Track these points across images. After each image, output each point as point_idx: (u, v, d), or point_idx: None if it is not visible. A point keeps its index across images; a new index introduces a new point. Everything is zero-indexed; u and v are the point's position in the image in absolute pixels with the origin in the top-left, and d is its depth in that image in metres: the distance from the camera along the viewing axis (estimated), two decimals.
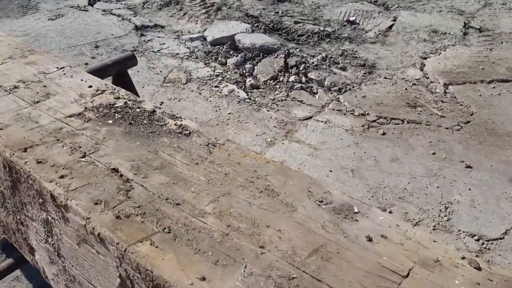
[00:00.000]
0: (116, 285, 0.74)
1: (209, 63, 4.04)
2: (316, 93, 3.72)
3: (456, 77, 3.88)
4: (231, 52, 4.13)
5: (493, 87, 3.75)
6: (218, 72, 3.91)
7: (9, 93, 1.16)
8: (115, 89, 1.18)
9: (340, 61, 4.06)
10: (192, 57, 4.14)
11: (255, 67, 3.95)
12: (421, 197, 2.76)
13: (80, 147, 0.92)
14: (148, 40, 4.37)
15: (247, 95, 3.65)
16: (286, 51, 4.03)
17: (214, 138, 0.99)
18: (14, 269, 1.84)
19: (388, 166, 2.98)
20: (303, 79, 3.82)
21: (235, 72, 3.88)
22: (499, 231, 2.52)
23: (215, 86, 3.72)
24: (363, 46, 4.45)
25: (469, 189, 2.81)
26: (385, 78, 3.92)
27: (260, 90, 3.75)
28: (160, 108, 1.09)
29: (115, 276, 0.73)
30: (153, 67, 4.05)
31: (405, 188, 2.83)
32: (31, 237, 1.00)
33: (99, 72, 1.85)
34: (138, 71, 3.88)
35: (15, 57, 1.37)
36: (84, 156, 0.89)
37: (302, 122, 3.39)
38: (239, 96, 3.62)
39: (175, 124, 1.04)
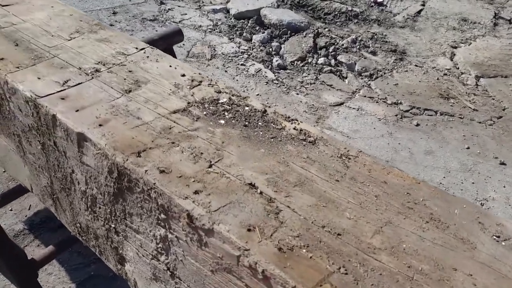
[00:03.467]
0: None
1: (233, 38, 3.84)
2: (346, 77, 3.58)
3: (488, 70, 3.78)
4: (257, 28, 3.93)
5: None
6: (244, 49, 3.72)
7: (92, 77, 1.00)
8: (211, 80, 1.03)
9: (371, 45, 3.90)
10: (216, 30, 3.92)
11: (282, 45, 3.77)
12: (456, 193, 2.71)
13: (202, 153, 0.79)
14: (169, 9, 4.11)
15: (275, 75, 3.50)
16: (315, 31, 3.85)
17: (343, 148, 0.87)
18: (53, 257, 1.73)
19: (423, 159, 2.91)
20: (332, 61, 3.66)
21: (261, 50, 3.69)
22: None
23: (241, 64, 3.54)
24: (392, 30, 4.29)
25: (504, 187, 2.77)
26: (416, 66, 3.80)
27: (288, 71, 3.59)
28: (269, 107, 0.96)
29: None
30: None
31: (440, 183, 2.78)
32: (128, 249, 0.88)
33: None
34: None
35: (83, 31, 1.20)
36: (211, 166, 0.76)
37: (333, 108, 3.27)
38: (266, 76, 3.46)
39: (294, 129, 0.91)
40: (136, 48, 1.13)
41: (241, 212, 0.68)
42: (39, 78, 0.99)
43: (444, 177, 2.81)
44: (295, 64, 3.66)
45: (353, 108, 3.27)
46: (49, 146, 0.97)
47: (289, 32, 3.84)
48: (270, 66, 3.59)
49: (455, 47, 4.11)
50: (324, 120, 3.15)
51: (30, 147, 1.06)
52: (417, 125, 3.15)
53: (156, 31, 3.70)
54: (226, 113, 0.91)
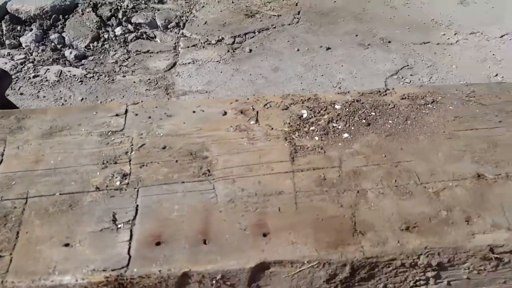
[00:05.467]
0: None
1: None
2: (155, 37, 3.18)
3: None
4: (18, 28, 2.94)
5: None
6: (21, 58, 2.77)
7: None
8: None
9: None
10: None
11: (64, 34, 2.97)
12: (318, 89, 2.95)
13: None
14: None
15: (82, 69, 2.79)
16: (89, 2, 3.16)
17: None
18: None
19: (276, 76, 3.00)
20: (130, 27, 3.16)
21: (42, 50, 2.83)
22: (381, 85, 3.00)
23: (34, 76, 2.65)
24: None
25: (342, 65, 3.17)
26: None
27: (91, 58, 2.92)
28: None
29: None
30: None
31: (302, 89, 2.95)
32: None
33: None
34: None
35: None
36: None
37: (170, 73, 2.92)
38: (74, 75, 2.74)
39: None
40: None
41: None
42: None
43: (301, 83, 2.99)
44: (92, 47, 2.99)
45: (188, 63, 2.99)
46: None
47: (61, 16, 3.04)
48: (67, 61, 2.83)
49: None
50: (173, 88, 2.79)
51: None
52: (250, 50, 3.16)
53: None
54: None
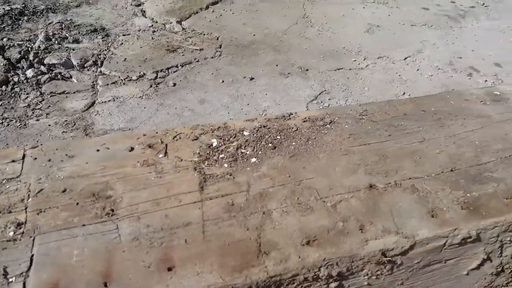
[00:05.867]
0: None
1: None
2: (71, 77, 3.07)
3: (181, 12, 4.09)
4: None
5: (213, 11, 4.21)
6: None
7: None
8: None
9: (67, 35, 3.41)
10: None
11: None
12: (245, 117, 3.02)
13: None
14: None
15: None
16: None
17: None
18: None
19: (203, 108, 3.02)
20: (43, 68, 3.02)
21: None
22: (303, 107, 3.16)
23: None
24: (72, 12, 3.86)
25: (266, 94, 3.30)
26: (124, 35, 3.65)
27: None
28: None
29: None
30: None
31: (230, 118, 3.00)
32: None
33: None
34: None
35: None
36: None
37: (88, 112, 2.80)
38: None
39: None
40: None
41: None
42: None
43: (228, 113, 3.04)
44: (1, 91, 2.79)
45: (108, 101, 2.91)
46: None
47: None
48: None
49: (139, 4, 4.18)
50: (93, 127, 2.68)
51: None
52: (174, 84, 3.17)
53: None
54: None
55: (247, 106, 3.20)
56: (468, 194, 0.83)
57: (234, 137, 0.94)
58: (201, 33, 3.81)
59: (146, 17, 3.94)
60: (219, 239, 0.71)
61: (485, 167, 0.91)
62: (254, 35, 3.92)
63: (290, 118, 1.02)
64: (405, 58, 3.89)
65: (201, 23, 3.95)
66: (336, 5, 4.77)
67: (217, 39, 3.78)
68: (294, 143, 0.94)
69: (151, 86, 3.08)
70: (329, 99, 3.41)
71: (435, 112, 1.08)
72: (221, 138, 0.94)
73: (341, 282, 0.73)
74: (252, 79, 3.39)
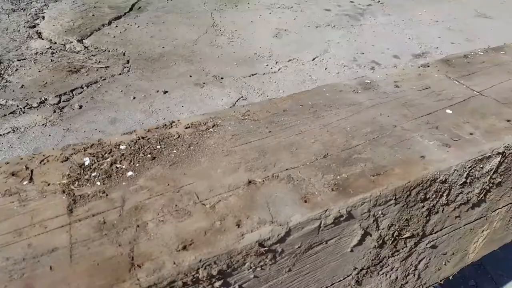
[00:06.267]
0: None
1: None
2: None
3: (81, 31, 3.90)
4: None
5: (116, 26, 4.08)
6: None
7: None
8: None
9: None
10: None
11: None
12: None
13: None
14: None
15: None
16: None
17: None
18: None
19: (114, 128, 2.91)
20: None
21: None
22: None
23: None
24: None
25: (182, 106, 3.26)
26: (19, 60, 3.39)
27: None
28: None
29: None
30: None
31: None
32: None
33: None
34: None
35: None
36: None
37: None
38: None
39: None
40: None
41: None
42: None
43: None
44: None
45: (7, 133, 2.68)
46: None
47: None
48: None
49: (34, 26, 3.92)
50: None
51: None
52: (80, 107, 3.00)
53: None
54: None
55: (163, 120, 3.13)
56: (338, 176, 0.89)
57: (110, 152, 0.90)
58: (105, 50, 3.67)
59: (43, 39, 3.70)
60: (88, 260, 0.67)
61: (354, 149, 0.98)
62: (163, 47, 3.87)
63: (172, 126, 1.01)
64: (313, 59, 4.10)
65: (105, 40, 3.81)
66: (243, 12, 4.89)
67: (124, 55, 3.67)
68: (175, 151, 0.93)
69: (54, 112, 2.89)
70: (247, 104, 3.47)
71: (312, 106, 1.14)
72: (94, 156, 0.90)
73: (225, 279, 0.74)
74: (166, 92, 3.34)
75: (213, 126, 1.03)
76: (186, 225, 0.75)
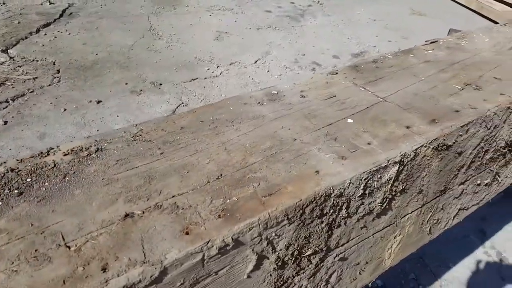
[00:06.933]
0: None
1: None
2: None
3: (6, 39, 3.64)
4: None
5: (45, 34, 3.84)
6: None
7: None
8: None
9: None
10: None
11: None
12: None
13: None
14: None
15: None
16: None
17: None
18: None
19: (44, 143, 2.72)
20: None
21: None
22: None
23: None
24: None
25: (117, 116, 3.11)
26: None
27: None
28: None
29: None
30: None
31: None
32: None
33: None
34: None
35: None
36: None
37: None
38: None
39: None
40: None
41: None
42: None
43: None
44: None
45: None
46: None
47: None
48: None
49: None
50: None
51: None
52: (5, 123, 2.79)
53: None
54: None
55: (96, 132, 2.97)
56: (228, 200, 0.83)
57: None
58: (33, 60, 3.44)
59: None
60: None
61: (250, 168, 0.93)
62: (96, 54, 3.69)
63: (49, 154, 0.92)
64: (256, 61, 4.06)
65: (33, 49, 3.57)
66: (182, 15, 4.78)
67: (54, 64, 3.46)
68: (47, 184, 0.84)
69: None
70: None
71: (213, 121, 1.08)
72: None
73: None
74: (99, 102, 3.17)
75: (96, 151, 0.94)
76: (42, 274, 0.67)
